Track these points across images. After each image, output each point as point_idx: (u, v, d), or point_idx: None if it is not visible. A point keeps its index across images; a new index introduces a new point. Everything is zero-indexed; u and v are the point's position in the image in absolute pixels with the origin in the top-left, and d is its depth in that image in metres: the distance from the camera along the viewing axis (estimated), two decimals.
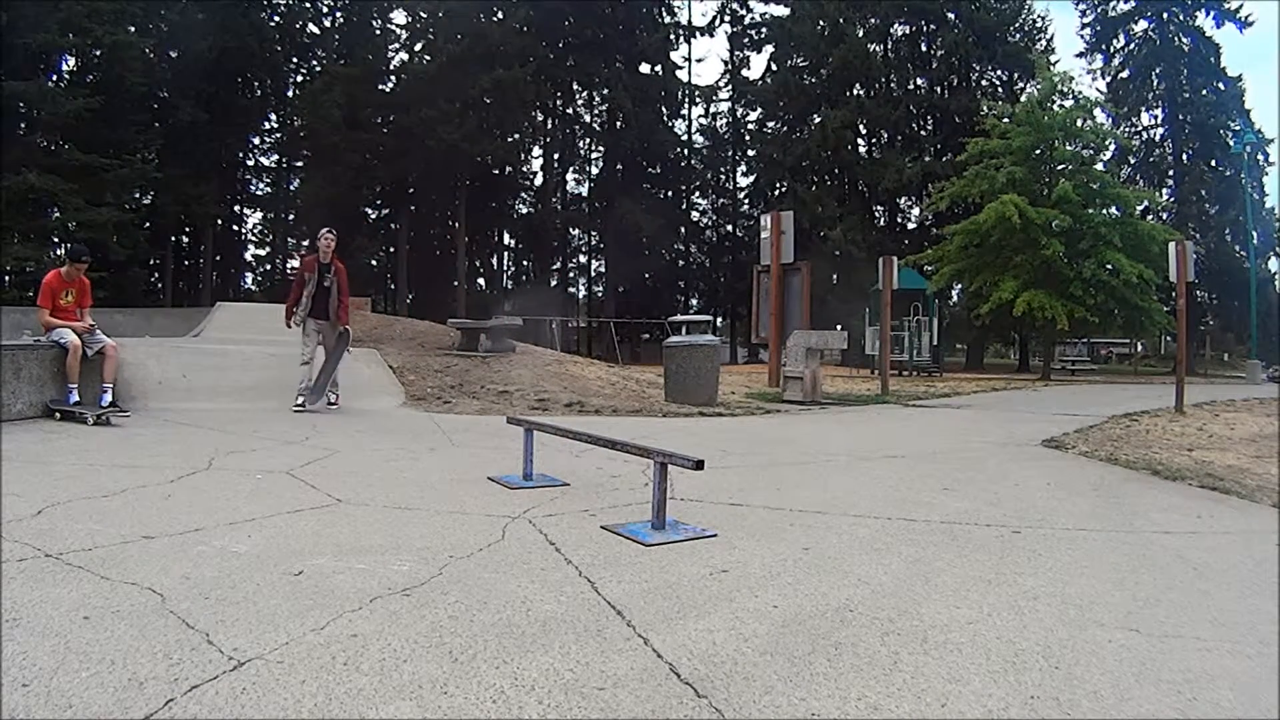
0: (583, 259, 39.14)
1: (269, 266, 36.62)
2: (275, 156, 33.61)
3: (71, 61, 24.02)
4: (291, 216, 33.96)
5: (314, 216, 30.36)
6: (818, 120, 31.05)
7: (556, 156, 36.77)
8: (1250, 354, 23.42)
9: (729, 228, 36.83)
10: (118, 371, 6.00)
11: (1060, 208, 18.20)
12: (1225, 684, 1.57)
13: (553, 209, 35.37)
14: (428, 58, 29.42)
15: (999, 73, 31.30)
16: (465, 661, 1.61)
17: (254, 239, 36.52)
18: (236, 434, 5.06)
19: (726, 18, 35.45)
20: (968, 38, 29.76)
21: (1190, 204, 29.13)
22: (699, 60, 60.52)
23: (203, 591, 1.99)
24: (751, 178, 35.77)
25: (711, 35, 36.56)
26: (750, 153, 35.44)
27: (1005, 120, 19.87)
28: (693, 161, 36.17)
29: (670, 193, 35.43)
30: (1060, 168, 19.30)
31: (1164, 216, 25.10)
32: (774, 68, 33.71)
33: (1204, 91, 29.25)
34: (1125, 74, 31.21)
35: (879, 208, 32.44)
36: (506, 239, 38.20)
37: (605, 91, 33.35)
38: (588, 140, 36.63)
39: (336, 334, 7.15)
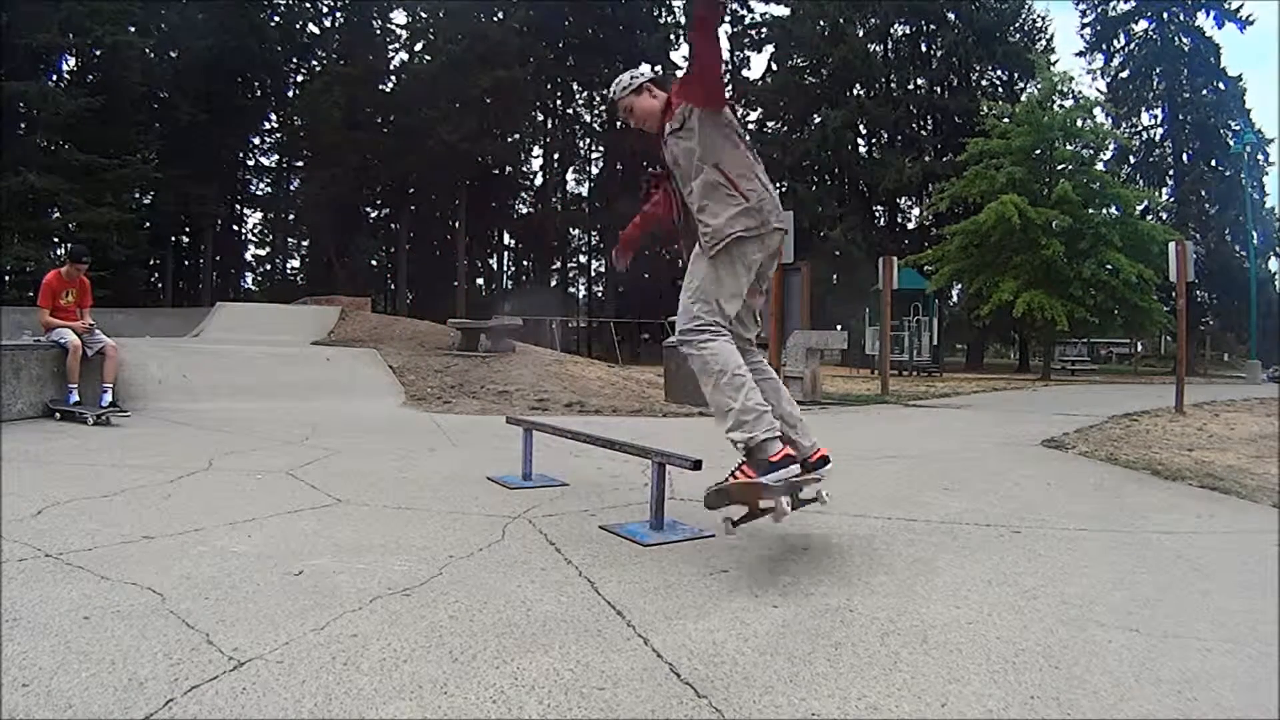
0: (583, 259, 39.17)
1: (269, 266, 36.64)
2: (275, 156, 33.63)
3: (71, 61, 24.05)
4: (291, 216, 33.95)
5: (314, 216, 30.45)
6: (818, 120, 31.08)
7: (556, 156, 36.78)
8: (1250, 354, 23.41)
9: None
10: (118, 371, 6.00)
11: (1060, 208, 18.20)
12: (1225, 684, 1.57)
13: (553, 209, 35.38)
14: (428, 58, 29.46)
15: (999, 73, 31.32)
16: (465, 661, 1.61)
17: (254, 239, 36.59)
18: (236, 434, 5.06)
19: (726, 18, 35.47)
20: (968, 38, 29.78)
21: (1190, 204, 29.15)
22: None
23: (203, 591, 1.99)
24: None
25: None
26: None
27: (1005, 120, 19.88)
28: None
29: None
30: (1060, 168, 19.30)
31: (1164, 216, 25.12)
32: (774, 68, 33.74)
33: (1204, 91, 29.27)
34: (1125, 74, 31.24)
35: (879, 208, 32.47)
36: (506, 239, 38.22)
37: (605, 91, 33.32)
38: (588, 140, 36.65)
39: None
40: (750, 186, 2.40)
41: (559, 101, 35.18)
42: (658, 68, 33.92)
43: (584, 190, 37.45)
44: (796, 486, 2.28)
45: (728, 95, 2.49)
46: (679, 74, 2.86)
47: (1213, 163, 29.57)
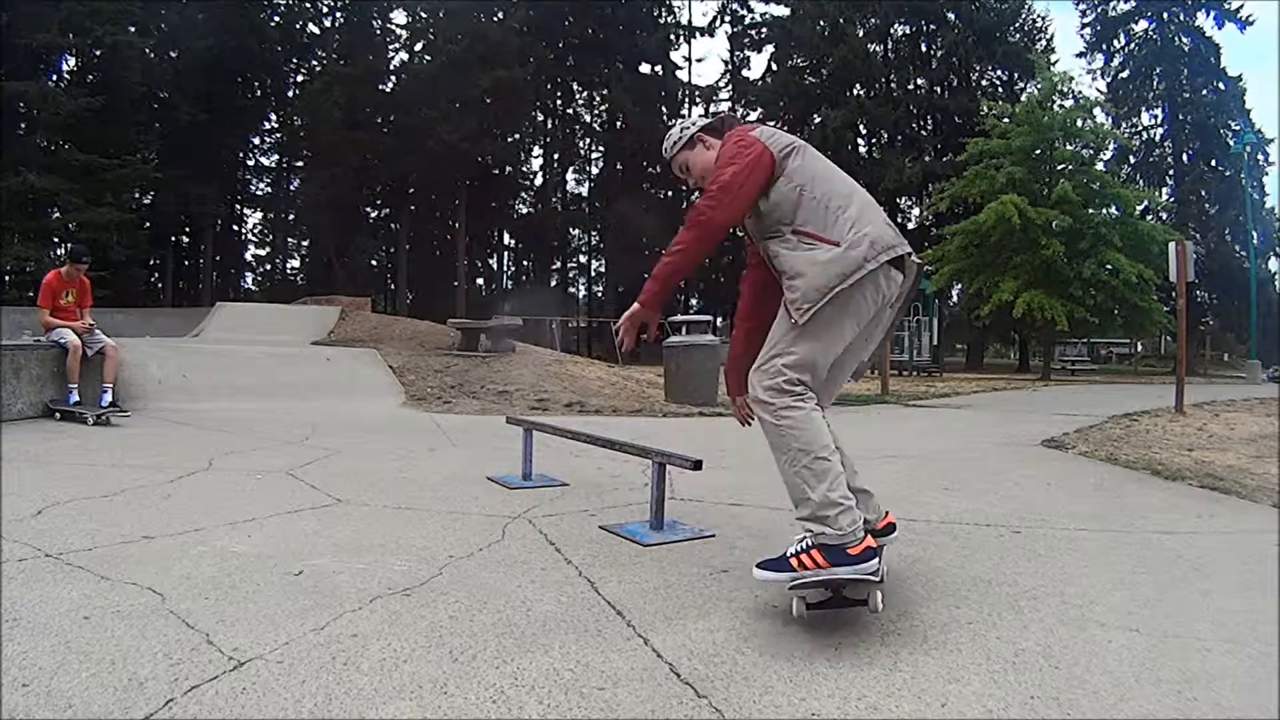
0: (583, 259, 39.20)
1: (269, 266, 36.66)
2: (275, 156, 33.64)
3: (71, 61, 24.06)
4: (291, 216, 33.95)
5: (314, 216, 30.45)
6: (818, 120, 31.07)
7: (556, 156, 36.82)
8: (1250, 354, 23.41)
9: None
10: (118, 371, 6.00)
11: (1060, 208, 18.20)
12: (1225, 684, 1.57)
13: (553, 209, 35.41)
14: (428, 58, 29.46)
15: (999, 73, 31.33)
16: (465, 661, 1.61)
17: (254, 239, 36.62)
18: (236, 434, 5.06)
19: (726, 18, 35.51)
20: (968, 38, 29.79)
21: (1190, 204, 29.17)
22: (699, 60, 60.58)
23: (203, 591, 1.99)
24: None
25: (711, 35, 36.65)
26: None
27: (1005, 120, 19.87)
28: None
29: (670, 193, 35.45)
30: (1060, 168, 19.30)
31: (1164, 216, 25.13)
32: (774, 68, 33.74)
33: (1204, 91, 29.29)
34: (1125, 74, 31.26)
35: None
36: (506, 239, 38.23)
37: (605, 91, 33.39)
38: (588, 140, 36.69)
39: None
40: (838, 227, 1.93)
41: (559, 101, 35.20)
42: (657, 68, 33.96)
43: (584, 190, 37.51)
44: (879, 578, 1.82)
45: (752, 180, 1.99)
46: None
47: (1213, 163, 29.58)
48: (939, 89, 31.45)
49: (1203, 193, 29.55)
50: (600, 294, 36.75)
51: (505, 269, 39.31)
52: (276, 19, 30.41)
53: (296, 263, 36.91)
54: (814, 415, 1.90)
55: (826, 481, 1.83)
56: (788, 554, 1.86)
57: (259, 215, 35.61)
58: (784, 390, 1.89)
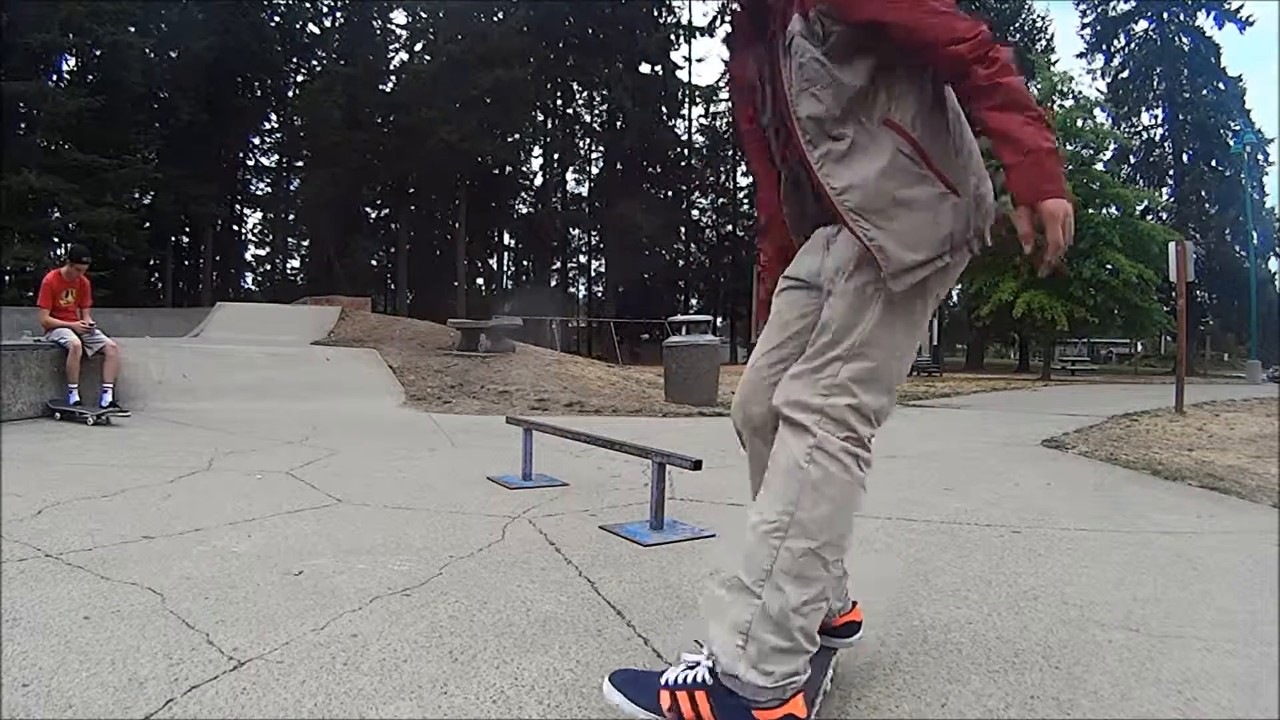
0: (583, 259, 39.22)
1: (269, 266, 36.66)
2: (275, 156, 33.65)
3: (71, 61, 24.09)
4: (291, 216, 33.95)
5: (314, 216, 30.46)
6: None
7: (556, 156, 36.82)
8: (1250, 354, 23.42)
9: (729, 228, 36.87)
10: (118, 371, 6.00)
11: None
12: (1225, 684, 1.57)
13: (553, 209, 35.41)
14: (428, 58, 29.46)
15: None
16: (465, 661, 1.61)
17: (254, 239, 36.62)
18: (236, 434, 5.06)
19: (726, 18, 35.41)
20: None
21: (1190, 204, 29.23)
22: (699, 60, 60.48)
23: (202, 591, 1.99)
24: (751, 177, 35.78)
25: (711, 35, 36.56)
26: None
27: None
28: (693, 161, 36.20)
29: (670, 193, 35.46)
30: None
31: (1164, 216, 25.15)
32: None
33: (1204, 91, 29.35)
34: (1125, 74, 31.30)
35: None
36: (506, 239, 38.24)
37: (605, 91, 33.36)
38: (588, 140, 36.69)
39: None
40: (958, 163, 1.36)
41: (559, 101, 35.20)
42: (657, 68, 33.94)
43: (584, 190, 37.52)
44: None
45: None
46: None
47: (1213, 163, 29.65)
48: None
49: (1203, 193, 29.62)
50: (600, 294, 36.76)
51: (505, 269, 39.34)
52: (276, 19, 30.44)
53: (296, 263, 36.94)
54: (860, 492, 1.25)
55: (803, 595, 1.19)
56: (662, 679, 1.21)
57: (259, 215, 35.67)
58: (845, 424, 1.23)
